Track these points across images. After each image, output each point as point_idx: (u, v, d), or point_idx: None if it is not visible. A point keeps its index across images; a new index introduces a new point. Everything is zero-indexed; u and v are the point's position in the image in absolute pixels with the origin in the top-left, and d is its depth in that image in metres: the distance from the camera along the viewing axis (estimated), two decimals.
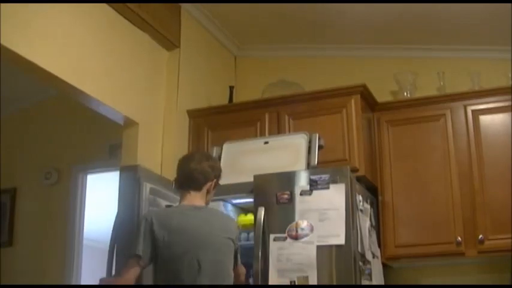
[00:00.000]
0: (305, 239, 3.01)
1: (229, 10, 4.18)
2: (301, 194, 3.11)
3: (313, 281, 2.94)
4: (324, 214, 3.00)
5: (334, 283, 2.94)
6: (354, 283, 2.94)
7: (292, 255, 3.00)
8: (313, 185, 3.08)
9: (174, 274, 2.48)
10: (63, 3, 3.11)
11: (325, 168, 3.20)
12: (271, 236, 3.08)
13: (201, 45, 4.28)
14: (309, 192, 3.09)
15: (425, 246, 3.53)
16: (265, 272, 3.04)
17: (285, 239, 3.06)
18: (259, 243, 3.04)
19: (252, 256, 3.04)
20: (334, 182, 3.07)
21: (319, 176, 3.10)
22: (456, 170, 3.58)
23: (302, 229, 3.03)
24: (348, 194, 3.05)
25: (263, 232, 3.08)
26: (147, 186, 3.01)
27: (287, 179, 3.21)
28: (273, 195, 3.14)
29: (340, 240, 2.96)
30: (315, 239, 2.99)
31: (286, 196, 3.16)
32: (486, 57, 4.00)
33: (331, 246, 2.95)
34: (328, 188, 3.06)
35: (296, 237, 3.04)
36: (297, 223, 3.05)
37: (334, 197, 3.04)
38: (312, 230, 3.01)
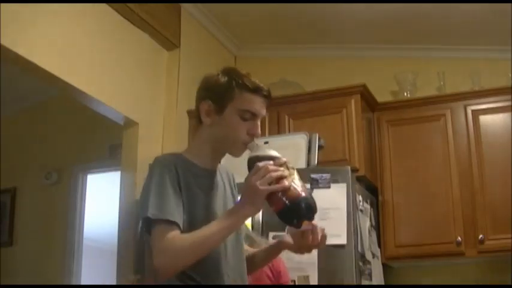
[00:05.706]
0: None
1: (229, 10, 4.18)
2: None
3: (313, 280, 2.94)
4: (325, 214, 2.97)
5: (335, 283, 2.93)
6: (354, 283, 2.94)
7: (292, 254, 2.98)
8: (314, 183, 3.06)
9: None
10: (63, 3, 3.11)
11: (326, 168, 3.19)
12: (271, 234, 3.07)
13: (201, 45, 4.28)
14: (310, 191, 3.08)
15: (425, 246, 3.53)
16: None
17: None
18: None
19: None
20: (335, 181, 3.07)
21: (320, 174, 3.08)
22: (456, 170, 3.58)
23: None
24: (349, 194, 3.04)
25: (262, 230, 3.07)
26: None
27: None
28: None
29: (342, 240, 2.96)
30: None
31: None
32: (486, 57, 3.99)
33: (332, 245, 2.94)
34: (329, 187, 3.05)
35: None
36: None
37: (336, 196, 3.03)
38: None
